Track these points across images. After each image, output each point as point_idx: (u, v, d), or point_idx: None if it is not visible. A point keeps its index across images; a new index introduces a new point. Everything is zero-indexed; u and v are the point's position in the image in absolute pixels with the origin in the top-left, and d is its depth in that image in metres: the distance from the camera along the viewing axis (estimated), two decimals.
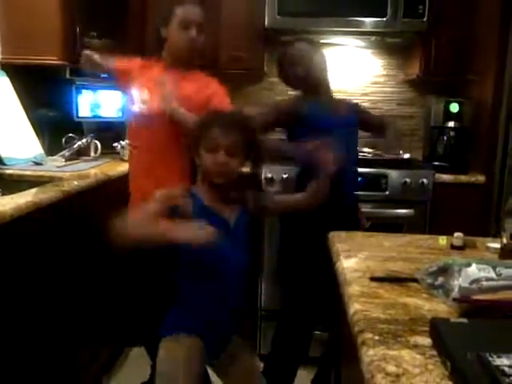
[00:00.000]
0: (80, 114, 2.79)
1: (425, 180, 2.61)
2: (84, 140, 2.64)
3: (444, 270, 1.03)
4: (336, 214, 1.95)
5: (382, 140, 2.48)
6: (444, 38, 2.82)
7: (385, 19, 2.73)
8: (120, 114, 2.93)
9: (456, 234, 1.36)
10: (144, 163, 2.02)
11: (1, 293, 1.49)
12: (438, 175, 2.66)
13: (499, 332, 0.80)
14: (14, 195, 1.72)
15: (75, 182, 2.03)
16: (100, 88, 2.86)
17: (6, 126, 2.37)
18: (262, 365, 2.17)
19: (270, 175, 2.59)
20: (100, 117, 2.90)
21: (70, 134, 2.64)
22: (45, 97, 2.64)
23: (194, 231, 1.24)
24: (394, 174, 2.62)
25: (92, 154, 2.68)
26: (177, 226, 1.27)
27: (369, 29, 2.78)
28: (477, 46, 2.80)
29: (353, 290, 1.03)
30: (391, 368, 0.72)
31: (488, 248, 1.34)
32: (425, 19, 2.71)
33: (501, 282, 0.94)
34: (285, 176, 2.57)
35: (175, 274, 1.45)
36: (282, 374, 2.17)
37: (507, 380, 0.62)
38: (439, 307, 0.95)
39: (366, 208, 2.42)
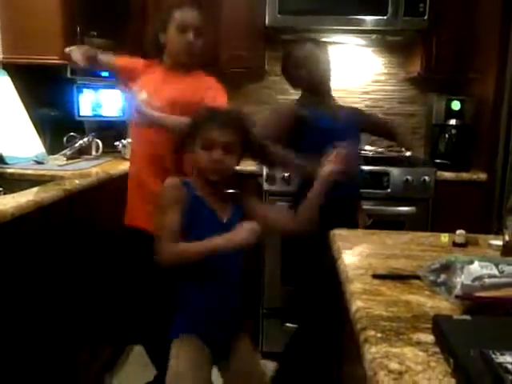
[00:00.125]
0: (81, 113, 2.79)
1: (426, 178, 2.61)
2: (85, 139, 2.65)
3: (446, 268, 1.03)
4: (334, 216, 1.95)
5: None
6: (445, 36, 2.82)
7: (386, 17, 2.73)
8: (121, 113, 2.93)
9: (458, 232, 1.36)
10: (144, 161, 2.02)
11: (1, 292, 1.49)
12: (439, 173, 2.66)
13: (502, 329, 0.80)
14: (15, 194, 1.72)
15: (77, 181, 2.03)
16: (101, 87, 2.86)
17: (8, 125, 2.37)
18: (264, 361, 2.16)
19: (270, 174, 2.59)
20: (101, 116, 2.90)
21: (72, 133, 2.65)
22: (46, 96, 2.64)
23: (242, 235, 1.31)
24: (395, 172, 2.62)
25: (93, 152, 2.69)
26: (227, 238, 1.33)
27: (370, 27, 2.78)
28: (478, 44, 2.79)
29: (355, 287, 1.03)
30: (394, 365, 0.71)
31: (490, 245, 1.34)
32: (426, 17, 2.71)
33: (503, 279, 0.93)
34: (286, 174, 2.57)
35: (175, 275, 1.45)
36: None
37: (510, 377, 0.62)
38: (442, 304, 0.95)
39: (367, 205, 2.42)
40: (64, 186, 1.90)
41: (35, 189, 1.84)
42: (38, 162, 2.37)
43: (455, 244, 1.35)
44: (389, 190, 2.62)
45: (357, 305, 0.94)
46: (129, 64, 2.12)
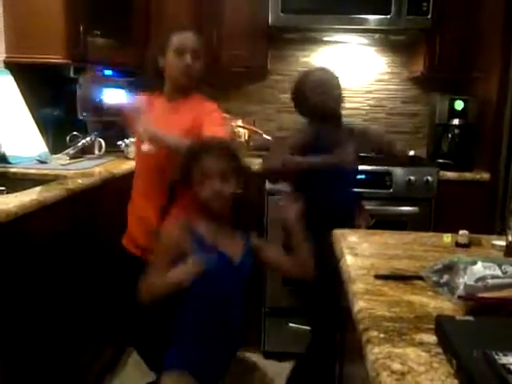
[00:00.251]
0: (84, 113, 2.79)
1: (429, 177, 2.60)
2: (88, 138, 2.65)
3: (449, 268, 1.03)
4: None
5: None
6: (448, 36, 2.81)
7: (389, 16, 2.72)
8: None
9: (461, 232, 1.36)
10: (143, 192, 2.02)
11: (4, 291, 1.50)
12: (442, 173, 2.65)
13: (505, 330, 0.79)
14: (18, 193, 1.72)
15: (79, 180, 2.03)
16: (104, 86, 2.86)
17: (11, 125, 2.38)
18: (266, 362, 2.15)
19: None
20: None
21: (75, 133, 2.65)
22: (49, 95, 2.65)
23: (183, 270, 1.32)
24: (398, 172, 2.62)
25: (96, 152, 2.69)
26: (170, 273, 1.35)
27: (373, 26, 2.77)
28: (481, 43, 2.79)
29: (357, 287, 1.03)
30: (396, 366, 0.71)
31: (493, 246, 1.33)
32: (429, 16, 2.70)
33: (506, 280, 0.93)
34: None
35: (177, 312, 1.46)
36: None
37: None
38: (444, 305, 0.94)
39: (370, 206, 2.42)
40: (67, 186, 1.91)
41: (38, 188, 1.85)
42: (41, 162, 2.37)
43: (458, 244, 1.35)
44: (391, 190, 2.61)
45: (359, 305, 0.94)
46: (130, 106, 2.11)
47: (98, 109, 2.10)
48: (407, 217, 2.59)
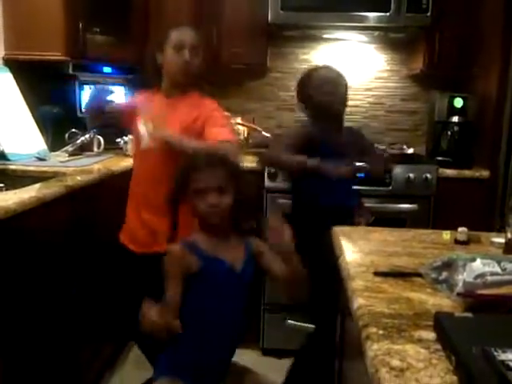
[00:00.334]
0: (83, 110, 2.79)
1: (428, 175, 2.61)
2: (87, 135, 2.64)
3: (448, 265, 1.03)
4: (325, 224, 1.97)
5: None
6: (448, 33, 2.81)
7: (388, 14, 2.72)
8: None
9: (460, 229, 1.36)
10: (141, 192, 2.02)
11: (3, 289, 1.50)
12: (441, 170, 2.65)
13: (504, 326, 0.80)
14: (17, 190, 1.72)
15: (78, 178, 2.03)
16: (103, 84, 2.85)
17: (10, 122, 2.37)
18: (264, 359, 2.15)
19: (272, 170, 2.58)
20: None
21: (73, 130, 2.65)
22: (48, 93, 2.64)
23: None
24: (397, 169, 2.62)
25: (95, 149, 2.69)
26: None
27: (372, 24, 2.77)
28: (481, 41, 2.78)
29: (356, 284, 1.03)
30: (395, 362, 0.71)
31: (492, 243, 1.33)
32: (428, 14, 2.70)
33: (506, 277, 0.93)
34: None
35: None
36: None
37: None
38: (443, 302, 0.94)
39: (369, 203, 2.42)
40: (66, 183, 1.91)
41: (37, 185, 1.85)
42: (40, 159, 2.37)
43: (457, 241, 1.35)
44: (390, 188, 2.61)
45: (358, 302, 0.94)
46: (130, 103, 2.11)
47: (101, 109, 2.10)
48: (406, 214, 2.60)
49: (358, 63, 3.23)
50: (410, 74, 3.21)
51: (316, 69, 2.19)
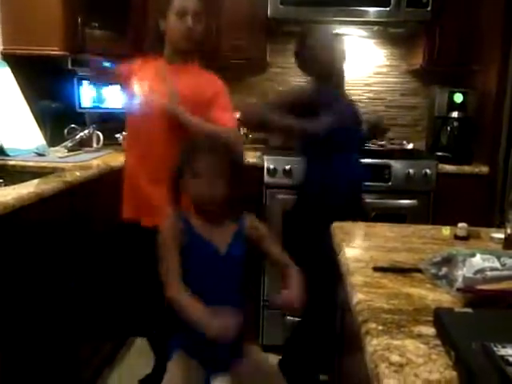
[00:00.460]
0: (82, 105, 2.78)
1: (428, 170, 2.60)
2: (86, 131, 2.64)
3: (448, 261, 1.03)
4: (342, 207, 1.96)
5: None
6: (448, 28, 2.80)
7: (388, 9, 2.71)
8: (122, 106, 2.92)
9: (460, 225, 1.36)
10: (138, 153, 2.01)
11: (2, 284, 1.50)
12: (441, 166, 2.65)
13: (504, 322, 0.79)
14: (16, 186, 1.72)
15: (77, 173, 2.02)
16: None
17: (9, 117, 2.37)
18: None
19: (272, 166, 2.58)
20: (102, 108, 2.89)
21: (73, 125, 2.64)
22: (47, 87, 2.64)
23: (215, 327, 1.29)
24: (397, 165, 2.61)
25: (94, 144, 2.68)
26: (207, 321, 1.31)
27: (372, 18, 2.76)
28: (481, 36, 2.78)
29: (356, 279, 1.03)
30: (395, 357, 0.71)
31: (492, 238, 1.33)
32: (429, 8, 2.69)
33: (505, 272, 0.93)
34: (287, 167, 2.56)
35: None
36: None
37: None
38: (443, 297, 0.94)
39: (369, 198, 2.41)
40: (65, 178, 1.90)
41: (36, 180, 1.84)
42: (39, 154, 2.37)
43: (457, 237, 1.35)
44: (390, 183, 2.61)
45: (358, 297, 0.94)
46: (127, 67, 2.11)
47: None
48: (406, 210, 2.59)
49: (358, 58, 3.22)
50: (410, 69, 3.20)
51: (315, 28, 2.19)
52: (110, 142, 2.75)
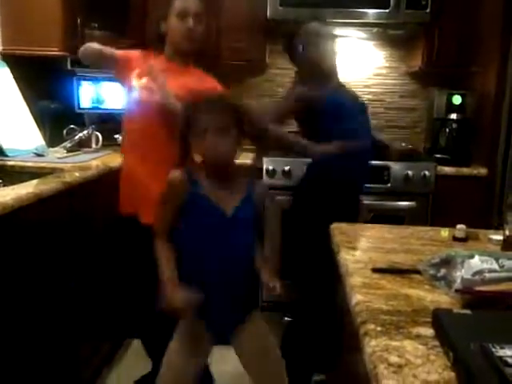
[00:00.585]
0: (81, 106, 2.78)
1: (427, 172, 2.61)
2: (85, 131, 2.64)
3: (446, 262, 1.03)
4: (342, 205, 1.95)
5: None
6: (447, 30, 2.81)
7: (387, 10, 2.72)
8: (121, 106, 2.92)
9: (459, 226, 1.36)
10: (137, 149, 2.01)
11: (2, 284, 1.49)
12: (440, 167, 2.65)
13: (502, 323, 0.80)
14: (15, 186, 1.71)
15: (76, 174, 2.02)
16: (101, 79, 2.85)
17: (8, 118, 2.37)
18: None
19: (271, 167, 2.58)
20: (101, 108, 2.89)
21: (72, 126, 2.64)
22: (46, 88, 2.64)
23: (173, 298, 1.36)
24: (396, 166, 2.62)
25: (93, 145, 2.68)
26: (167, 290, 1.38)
27: (371, 20, 2.77)
28: (480, 38, 2.78)
29: (354, 280, 1.03)
30: (394, 358, 0.71)
31: (490, 240, 1.34)
32: (428, 10, 2.70)
33: (503, 274, 0.93)
34: (286, 168, 2.56)
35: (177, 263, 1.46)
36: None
37: (510, 370, 0.62)
38: (442, 298, 0.94)
39: (368, 200, 2.42)
40: (64, 179, 1.90)
41: (35, 181, 1.84)
42: (38, 155, 2.36)
43: (455, 238, 1.35)
44: (389, 185, 2.62)
45: (356, 298, 0.94)
46: (127, 54, 2.10)
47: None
48: (405, 211, 2.60)
49: (357, 60, 3.23)
50: (409, 71, 3.21)
51: (304, 23, 2.16)
52: (109, 143, 2.75)
